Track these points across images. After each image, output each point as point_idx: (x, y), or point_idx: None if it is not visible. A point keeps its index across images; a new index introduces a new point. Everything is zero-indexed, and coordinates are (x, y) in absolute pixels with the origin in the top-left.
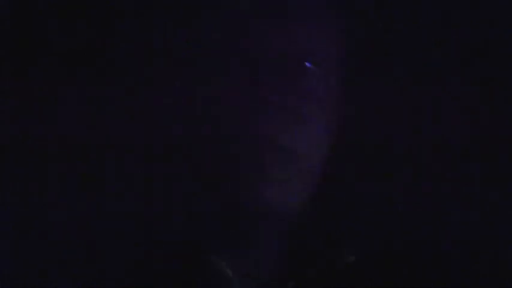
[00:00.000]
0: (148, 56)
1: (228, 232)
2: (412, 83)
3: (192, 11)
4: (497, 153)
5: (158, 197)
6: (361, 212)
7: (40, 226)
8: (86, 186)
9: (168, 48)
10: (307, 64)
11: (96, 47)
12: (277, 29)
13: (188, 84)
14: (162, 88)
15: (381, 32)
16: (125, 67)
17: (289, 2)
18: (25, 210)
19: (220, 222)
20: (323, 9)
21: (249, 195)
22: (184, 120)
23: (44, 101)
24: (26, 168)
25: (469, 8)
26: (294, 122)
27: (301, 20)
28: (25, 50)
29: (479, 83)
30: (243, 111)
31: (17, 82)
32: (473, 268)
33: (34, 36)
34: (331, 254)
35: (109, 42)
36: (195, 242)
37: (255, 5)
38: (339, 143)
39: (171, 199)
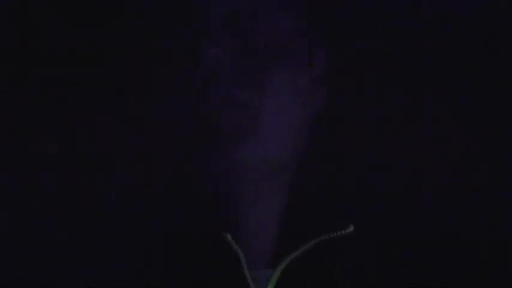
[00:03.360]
0: (148, 57)
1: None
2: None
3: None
4: (497, 154)
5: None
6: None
7: (40, 227)
8: (87, 187)
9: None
10: None
11: (96, 47)
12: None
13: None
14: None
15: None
16: (126, 68)
17: None
18: (25, 212)
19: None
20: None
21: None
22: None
23: (44, 101)
24: (25, 168)
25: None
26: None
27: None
28: (25, 50)
29: (479, 83)
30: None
31: (17, 82)
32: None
33: (34, 37)
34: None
35: (109, 43)
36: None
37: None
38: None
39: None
